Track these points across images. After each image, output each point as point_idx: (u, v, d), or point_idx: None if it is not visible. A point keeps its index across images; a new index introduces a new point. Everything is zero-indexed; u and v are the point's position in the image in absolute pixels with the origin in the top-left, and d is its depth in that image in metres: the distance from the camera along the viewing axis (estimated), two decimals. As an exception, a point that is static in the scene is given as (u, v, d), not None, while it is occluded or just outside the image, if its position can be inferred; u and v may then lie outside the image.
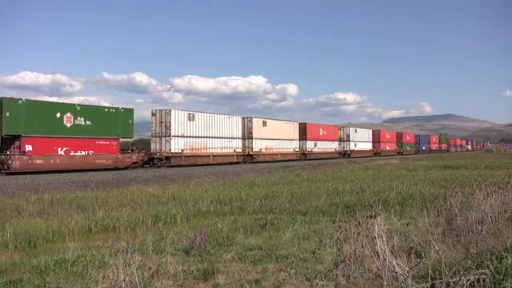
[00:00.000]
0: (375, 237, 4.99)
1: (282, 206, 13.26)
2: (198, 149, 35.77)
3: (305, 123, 52.12)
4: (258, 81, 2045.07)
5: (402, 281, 4.47)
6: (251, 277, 5.82)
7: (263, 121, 44.13)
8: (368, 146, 68.24)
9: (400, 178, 21.59)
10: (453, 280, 4.25)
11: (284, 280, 5.07)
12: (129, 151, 32.17)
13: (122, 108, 30.48)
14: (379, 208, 7.06)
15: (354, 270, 4.87)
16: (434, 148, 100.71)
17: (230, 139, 39.45)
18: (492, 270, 4.30)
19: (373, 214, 5.31)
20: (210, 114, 37.80)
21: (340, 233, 5.42)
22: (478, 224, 6.87)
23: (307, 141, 51.37)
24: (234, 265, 6.45)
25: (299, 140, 50.83)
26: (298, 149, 49.61)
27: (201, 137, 36.23)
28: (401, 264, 4.69)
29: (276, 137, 45.33)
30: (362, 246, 5.16)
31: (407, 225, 6.47)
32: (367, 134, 69.35)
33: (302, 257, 6.60)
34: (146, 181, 23.89)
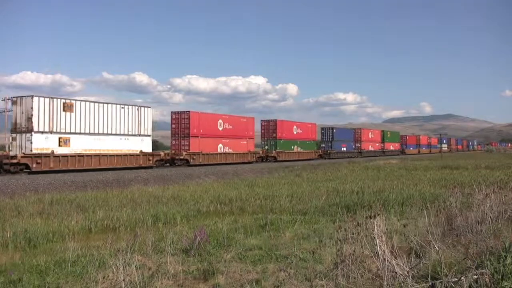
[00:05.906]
0: (374, 237, 5.00)
1: (282, 206, 13.26)
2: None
3: None
4: (258, 81, 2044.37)
5: (402, 281, 4.47)
6: (251, 277, 5.82)
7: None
8: (133, 145, 30.46)
9: (400, 178, 21.59)
10: (453, 280, 4.25)
11: (284, 280, 5.08)
12: None
13: None
14: (379, 208, 7.06)
15: (354, 270, 4.87)
16: (372, 149, 68.28)
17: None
18: (492, 270, 4.30)
19: (373, 214, 5.32)
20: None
21: (340, 233, 5.43)
22: (478, 224, 6.88)
23: None
24: (234, 265, 6.45)
25: None
26: None
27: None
28: (401, 264, 4.69)
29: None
30: (362, 246, 5.17)
31: (404, 226, 6.48)
32: (126, 114, 29.99)
33: (302, 257, 6.60)
34: (146, 181, 23.89)
